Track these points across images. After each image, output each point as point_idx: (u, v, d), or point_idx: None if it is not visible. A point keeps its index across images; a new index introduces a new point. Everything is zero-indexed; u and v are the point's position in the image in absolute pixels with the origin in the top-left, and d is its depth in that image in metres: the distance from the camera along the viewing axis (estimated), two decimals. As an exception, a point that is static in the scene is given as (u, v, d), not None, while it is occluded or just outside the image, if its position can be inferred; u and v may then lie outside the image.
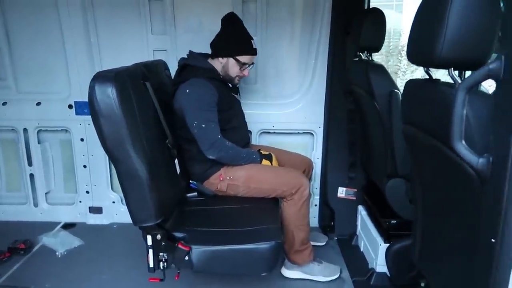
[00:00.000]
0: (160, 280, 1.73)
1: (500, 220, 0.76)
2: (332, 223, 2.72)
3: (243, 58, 2.04)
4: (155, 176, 1.64)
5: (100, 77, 1.50)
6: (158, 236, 1.67)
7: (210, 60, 2.10)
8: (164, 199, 1.71)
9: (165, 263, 1.71)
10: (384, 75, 1.94)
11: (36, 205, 2.92)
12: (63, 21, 2.56)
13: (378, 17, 2.01)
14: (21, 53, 2.70)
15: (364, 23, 2.01)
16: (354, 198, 2.65)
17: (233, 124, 2.11)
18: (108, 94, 1.48)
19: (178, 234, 1.74)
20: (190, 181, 2.13)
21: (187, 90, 1.94)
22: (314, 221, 2.84)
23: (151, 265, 1.71)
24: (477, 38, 0.93)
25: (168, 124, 1.97)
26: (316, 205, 2.83)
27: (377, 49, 2.10)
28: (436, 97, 1.00)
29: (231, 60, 2.04)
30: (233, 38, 2.06)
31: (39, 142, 2.84)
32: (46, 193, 2.93)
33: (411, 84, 1.32)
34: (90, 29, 2.59)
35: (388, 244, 2.03)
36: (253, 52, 2.07)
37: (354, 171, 2.64)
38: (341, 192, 2.68)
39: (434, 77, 1.18)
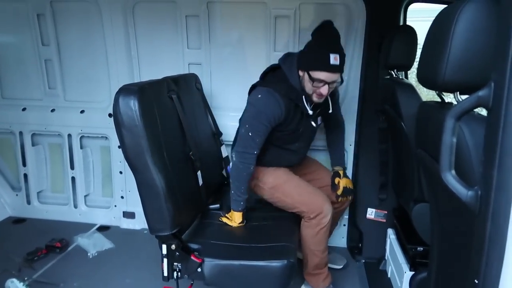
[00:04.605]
0: None
1: (482, 259, 0.69)
2: (360, 245, 2.63)
3: (316, 74, 1.79)
4: (173, 187, 1.68)
5: (124, 90, 1.57)
6: (173, 246, 1.69)
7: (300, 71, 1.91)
8: (182, 209, 1.74)
9: (178, 273, 1.74)
10: (413, 95, 1.85)
11: (76, 206, 3.10)
12: (107, 35, 2.73)
13: (408, 34, 1.93)
14: (69, 64, 2.91)
15: (394, 41, 1.95)
16: (384, 221, 2.54)
17: (289, 148, 2.05)
18: (130, 107, 1.54)
19: (193, 245, 1.76)
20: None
21: (259, 95, 1.89)
22: (342, 241, 2.77)
23: (165, 273, 1.73)
24: (482, 62, 0.87)
25: (193, 136, 2.01)
26: (344, 225, 2.75)
27: (407, 67, 2.02)
28: (442, 121, 0.94)
29: (305, 74, 1.84)
30: (310, 50, 1.86)
31: (81, 147, 3.02)
32: (85, 196, 3.10)
33: (423, 106, 1.25)
34: (131, 43, 2.73)
35: (413, 273, 1.93)
36: (329, 68, 1.77)
37: (385, 192, 2.54)
38: (371, 213, 2.59)
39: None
